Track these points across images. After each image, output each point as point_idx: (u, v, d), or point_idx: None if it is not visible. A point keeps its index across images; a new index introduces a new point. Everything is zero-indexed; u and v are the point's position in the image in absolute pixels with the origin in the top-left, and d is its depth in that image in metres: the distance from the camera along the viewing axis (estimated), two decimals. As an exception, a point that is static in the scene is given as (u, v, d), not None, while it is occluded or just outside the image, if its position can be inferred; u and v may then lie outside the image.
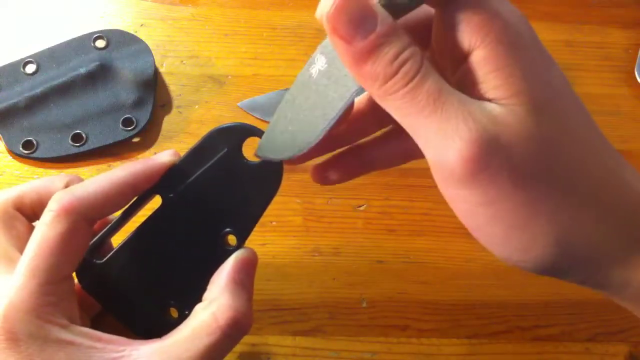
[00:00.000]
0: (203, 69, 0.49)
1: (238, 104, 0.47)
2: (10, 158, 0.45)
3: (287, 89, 0.51)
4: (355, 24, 0.21)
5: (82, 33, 0.49)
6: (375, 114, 0.29)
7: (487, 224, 0.23)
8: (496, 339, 0.40)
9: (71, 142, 0.45)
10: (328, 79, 0.25)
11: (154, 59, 0.48)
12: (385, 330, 0.40)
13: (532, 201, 0.22)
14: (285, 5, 0.53)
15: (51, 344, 0.26)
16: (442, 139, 0.21)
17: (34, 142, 0.45)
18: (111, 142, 0.45)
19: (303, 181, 0.45)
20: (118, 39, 0.49)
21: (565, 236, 0.22)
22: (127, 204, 0.30)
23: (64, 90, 0.46)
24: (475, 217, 0.23)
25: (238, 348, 0.39)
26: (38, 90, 0.46)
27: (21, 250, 0.28)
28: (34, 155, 0.44)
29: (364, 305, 0.41)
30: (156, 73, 0.48)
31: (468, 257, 0.43)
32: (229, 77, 0.49)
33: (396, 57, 0.21)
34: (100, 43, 0.49)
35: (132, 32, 0.50)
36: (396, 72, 0.21)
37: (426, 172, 0.48)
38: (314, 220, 0.43)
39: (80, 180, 0.32)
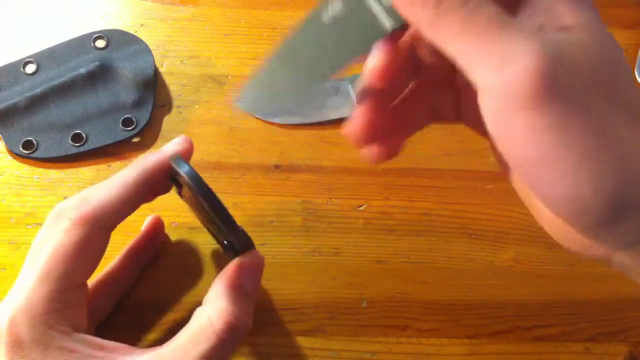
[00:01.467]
0: (203, 69, 0.49)
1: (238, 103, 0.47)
2: (10, 158, 0.45)
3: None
4: None
5: (82, 33, 0.49)
6: (405, 68, 0.27)
7: (552, 152, 0.20)
8: (496, 339, 0.40)
9: (71, 142, 0.45)
10: (346, 24, 0.23)
11: (154, 59, 0.48)
12: (385, 330, 0.40)
13: (604, 124, 0.20)
14: (285, 5, 0.53)
15: (53, 351, 0.26)
16: (506, 59, 0.19)
17: (34, 142, 0.45)
18: (111, 142, 0.45)
19: (303, 181, 0.45)
20: (118, 39, 0.49)
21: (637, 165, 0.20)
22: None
23: (64, 90, 0.46)
24: (539, 146, 0.20)
25: (238, 348, 0.39)
26: (38, 90, 0.46)
27: None
28: (34, 155, 0.44)
29: (364, 305, 0.41)
30: (156, 73, 0.48)
31: (468, 257, 0.43)
32: (229, 77, 0.49)
33: None
34: (100, 43, 0.49)
35: (132, 32, 0.50)
36: None
37: (426, 172, 0.48)
38: (314, 220, 0.43)
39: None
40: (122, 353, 0.27)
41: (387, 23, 0.22)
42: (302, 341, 0.39)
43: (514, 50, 0.19)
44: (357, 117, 0.26)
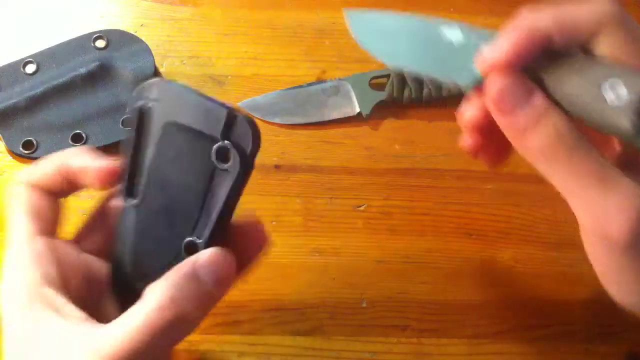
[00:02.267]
0: (203, 69, 0.49)
1: (238, 104, 0.47)
2: (10, 158, 0.45)
3: (287, 89, 0.51)
4: (517, 100, 0.23)
5: (82, 33, 0.49)
6: None
7: (622, 279, 0.25)
8: (496, 338, 0.40)
9: (71, 142, 0.45)
10: (463, 52, 0.26)
11: (154, 59, 0.48)
12: (385, 330, 0.40)
13: None
14: (285, 5, 0.53)
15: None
16: (605, 209, 0.23)
17: (34, 142, 0.45)
18: (111, 142, 0.45)
19: (303, 181, 0.45)
20: (118, 39, 0.49)
21: None
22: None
23: (64, 90, 0.46)
24: (613, 272, 0.25)
25: (238, 348, 0.39)
26: (38, 90, 0.46)
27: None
28: (34, 155, 0.44)
29: (364, 305, 0.41)
30: (156, 73, 0.48)
31: (468, 257, 0.43)
32: (229, 77, 0.49)
33: (556, 129, 0.23)
34: (100, 43, 0.49)
35: (132, 32, 0.50)
36: (558, 143, 0.23)
37: (426, 172, 0.48)
38: (314, 220, 0.43)
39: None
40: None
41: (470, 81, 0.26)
42: (302, 341, 0.39)
43: (614, 203, 0.22)
44: (467, 138, 0.30)
